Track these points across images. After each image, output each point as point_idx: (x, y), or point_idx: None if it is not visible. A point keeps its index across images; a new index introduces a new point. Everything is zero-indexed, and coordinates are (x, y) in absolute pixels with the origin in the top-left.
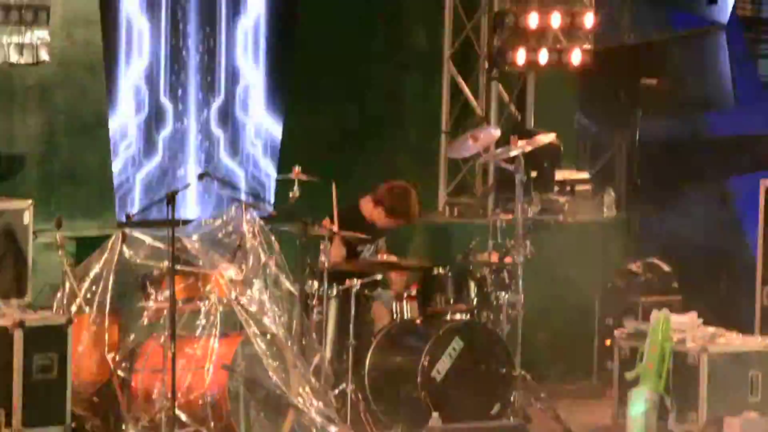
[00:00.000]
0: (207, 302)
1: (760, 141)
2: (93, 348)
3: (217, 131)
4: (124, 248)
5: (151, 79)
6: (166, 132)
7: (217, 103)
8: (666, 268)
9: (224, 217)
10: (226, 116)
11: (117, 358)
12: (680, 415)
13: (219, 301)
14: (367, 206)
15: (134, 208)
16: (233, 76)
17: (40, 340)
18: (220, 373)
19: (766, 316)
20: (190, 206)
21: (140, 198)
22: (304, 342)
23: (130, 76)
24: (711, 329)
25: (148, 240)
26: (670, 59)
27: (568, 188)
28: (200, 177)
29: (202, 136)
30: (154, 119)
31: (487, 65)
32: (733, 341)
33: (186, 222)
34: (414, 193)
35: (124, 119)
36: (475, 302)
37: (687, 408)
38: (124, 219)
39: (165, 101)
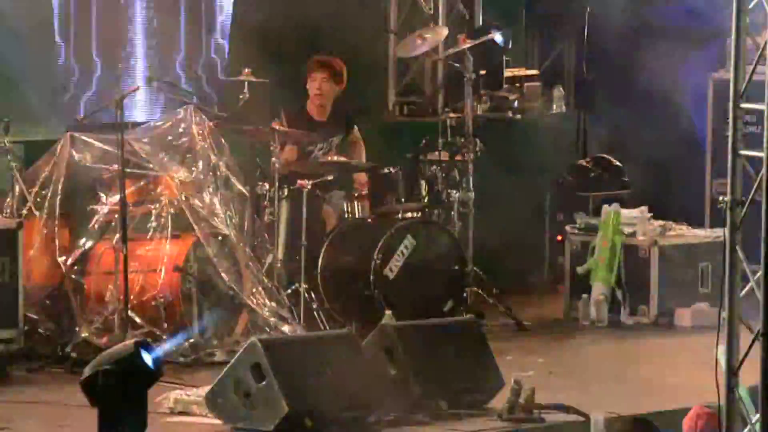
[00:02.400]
0: (158, 204)
1: (705, 35)
2: (44, 251)
3: None
4: (73, 152)
5: None
6: None
7: None
8: (616, 163)
9: (174, 120)
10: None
11: (69, 262)
12: (632, 308)
13: (170, 203)
14: (310, 84)
15: (83, 113)
16: None
17: None
18: (172, 274)
19: (716, 208)
20: (139, 110)
21: (89, 103)
22: (256, 243)
23: None
24: (661, 222)
25: (97, 144)
26: None
27: (518, 85)
28: (149, 81)
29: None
30: None
31: None
32: (683, 234)
33: (135, 125)
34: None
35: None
36: (426, 201)
37: (638, 301)
38: (72, 123)
39: None
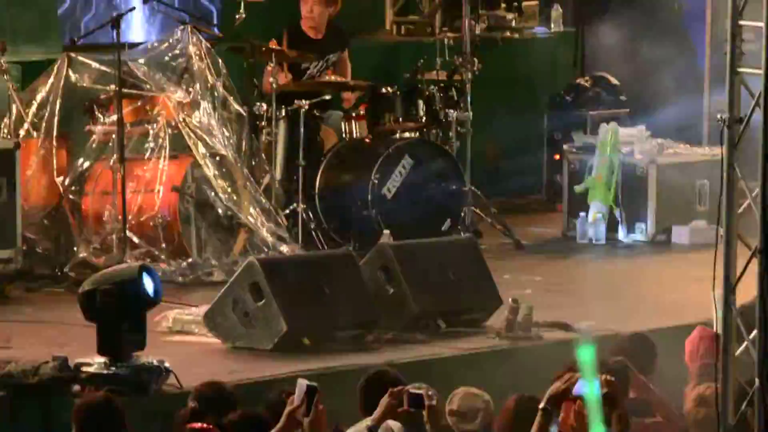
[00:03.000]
0: (155, 125)
1: None
2: (42, 172)
3: None
4: (70, 72)
5: None
6: None
7: None
8: (614, 81)
9: (170, 41)
10: None
11: (66, 182)
12: (629, 226)
13: (167, 124)
14: (303, 6)
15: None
16: None
17: None
18: (170, 194)
19: (714, 126)
20: (136, 30)
21: (85, 22)
22: (253, 163)
23: None
24: (659, 141)
25: (94, 64)
26: None
27: (515, 4)
28: (144, 0)
29: None
30: None
31: None
32: (681, 152)
33: (132, 46)
34: None
35: None
36: (423, 120)
37: (636, 219)
38: (69, 43)
39: None
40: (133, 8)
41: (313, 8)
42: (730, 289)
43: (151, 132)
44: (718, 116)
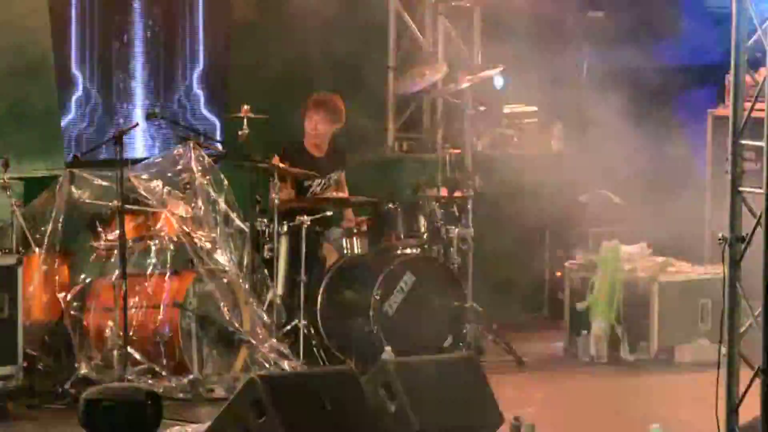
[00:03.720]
0: (157, 240)
1: (706, 71)
2: (44, 288)
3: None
4: (73, 188)
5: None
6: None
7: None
8: (615, 199)
9: (173, 156)
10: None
11: (68, 298)
12: (632, 345)
13: (169, 239)
14: (307, 124)
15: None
16: None
17: None
18: (172, 310)
19: (715, 244)
20: (139, 147)
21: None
22: (255, 279)
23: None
24: (661, 259)
25: (96, 180)
26: None
27: (516, 122)
28: (148, 116)
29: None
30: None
31: (433, 0)
32: (683, 270)
33: (135, 161)
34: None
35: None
36: (425, 237)
37: (639, 337)
38: (71, 159)
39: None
40: (137, 124)
41: (318, 126)
42: (732, 409)
43: (153, 248)
44: (720, 235)
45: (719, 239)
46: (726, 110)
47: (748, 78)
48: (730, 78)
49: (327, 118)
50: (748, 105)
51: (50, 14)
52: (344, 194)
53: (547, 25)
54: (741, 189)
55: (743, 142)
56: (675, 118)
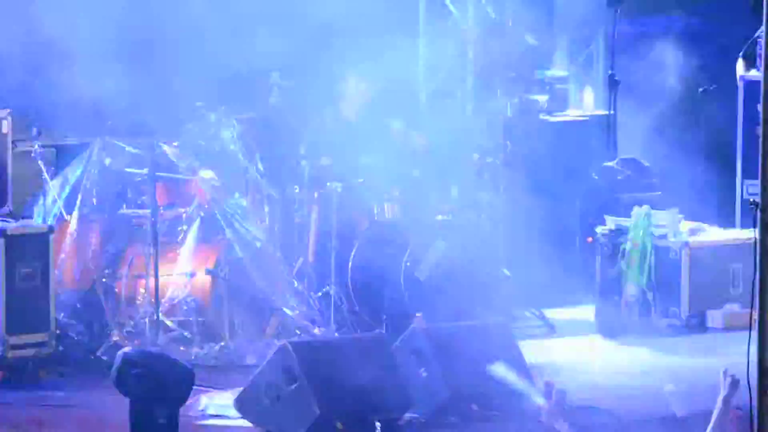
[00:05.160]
0: (189, 208)
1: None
2: (75, 256)
3: None
4: (104, 155)
5: None
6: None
7: None
8: (645, 164)
9: (204, 124)
10: None
11: (100, 266)
12: (663, 310)
13: (201, 207)
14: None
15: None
16: None
17: (22, 249)
18: (203, 278)
19: (746, 209)
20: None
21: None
22: (286, 246)
23: None
24: (692, 224)
25: (127, 147)
26: None
27: (547, 87)
28: None
29: None
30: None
31: None
32: (713, 235)
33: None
34: None
35: None
36: (457, 203)
37: (670, 302)
38: (104, 127)
39: None
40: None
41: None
42: (763, 372)
43: (184, 215)
44: (750, 200)
45: (750, 204)
46: (758, 74)
47: None
48: (762, 42)
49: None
50: None
51: None
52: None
53: None
54: None
55: None
56: (708, 82)
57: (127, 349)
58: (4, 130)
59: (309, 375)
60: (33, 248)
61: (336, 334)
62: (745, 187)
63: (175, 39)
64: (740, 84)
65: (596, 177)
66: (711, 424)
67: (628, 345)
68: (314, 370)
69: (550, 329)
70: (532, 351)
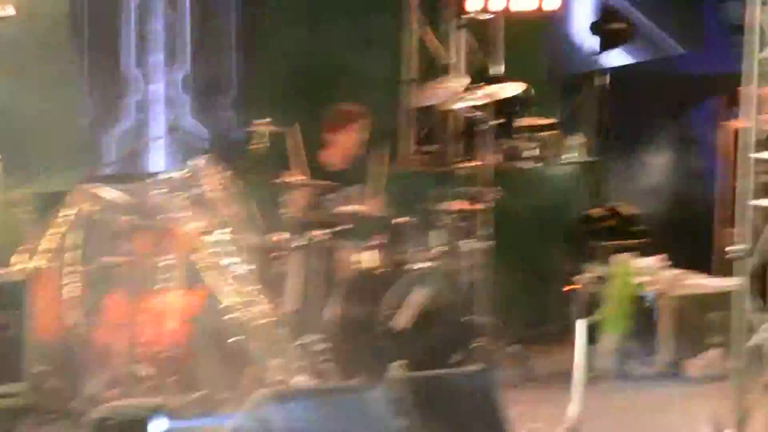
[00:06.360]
0: (170, 256)
1: (723, 82)
2: (53, 304)
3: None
4: (86, 203)
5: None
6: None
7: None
8: (631, 211)
9: (190, 170)
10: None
11: (77, 314)
12: (641, 358)
13: (182, 255)
14: (340, 137)
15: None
16: None
17: None
18: (181, 327)
19: (724, 258)
20: (156, 161)
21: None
22: (267, 293)
23: None
24: (675, 272)
25: (110, 195)
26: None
27: (536, 134)
28: (169, 131)
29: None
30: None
31: (455, 12)
32: (695, 283)
33: (150, 176)
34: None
35: None
36: (438, 250)
37: (648, 351)
38: (87, 174)
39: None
40: (160, 137)
41: (356, 136)
42: (741, 421)
43: (165, 264)
44: (729, 248)
45: (729, 252)
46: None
47: (762, 91)
48: (744, 91)
49: (363, 128)
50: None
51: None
52: (366, 207)
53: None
54: (752, 202)
55: (753, 155)
56: (692, 129)
57: (104, 404)
58: None
59: (287, 425)
60: (9, 296)
61: (315, 383)
62: (722, 236)
63: None
64: (721, 131)
65: (578, 225)
66: None
67: (608, 393)
68: (292, 419)
69: (531, 377)
70: (512, 399)
